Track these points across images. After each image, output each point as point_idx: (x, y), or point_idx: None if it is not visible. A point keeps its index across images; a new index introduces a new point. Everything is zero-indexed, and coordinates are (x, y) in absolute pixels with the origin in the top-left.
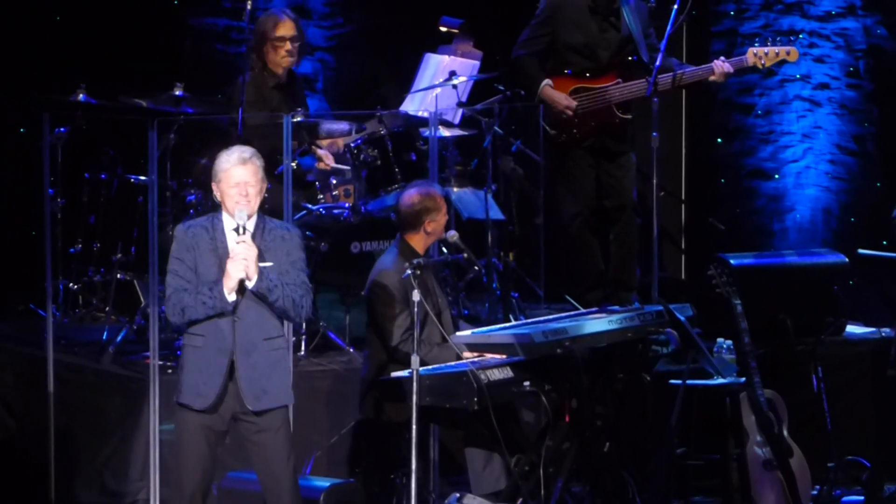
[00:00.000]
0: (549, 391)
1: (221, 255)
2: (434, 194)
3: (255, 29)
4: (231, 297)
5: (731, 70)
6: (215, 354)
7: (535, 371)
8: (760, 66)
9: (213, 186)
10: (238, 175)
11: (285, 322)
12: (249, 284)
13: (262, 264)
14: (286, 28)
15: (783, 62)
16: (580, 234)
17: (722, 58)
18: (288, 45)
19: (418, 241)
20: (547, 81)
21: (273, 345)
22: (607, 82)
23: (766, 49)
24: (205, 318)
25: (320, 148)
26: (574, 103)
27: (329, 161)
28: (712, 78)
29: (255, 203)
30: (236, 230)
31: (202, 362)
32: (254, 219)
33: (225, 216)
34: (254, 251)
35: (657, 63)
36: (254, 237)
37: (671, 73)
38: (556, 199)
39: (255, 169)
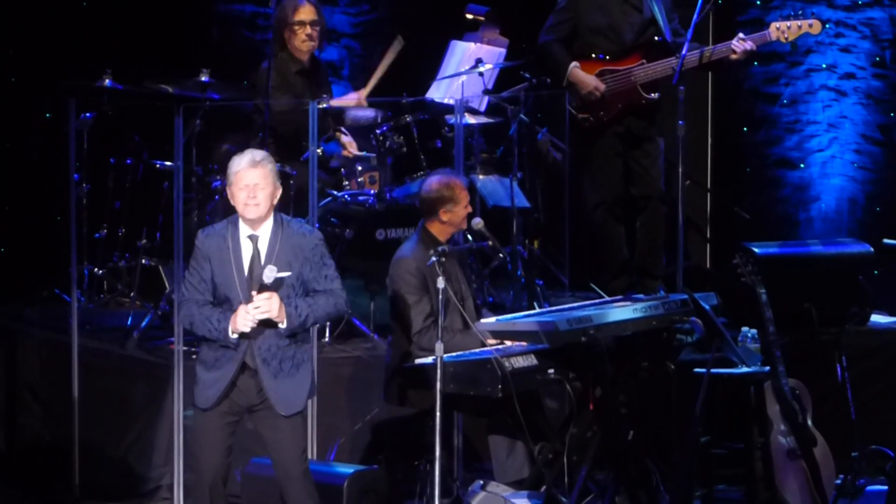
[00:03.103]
0: (573, 379)
1: (237, 266)
2: (453, 184)
3: (276, 14)
4: (234, 336)
5: (753, 47)
6: (227, 361)
7: (560, 359)
8: (784, 40)
9: (228, 191)
10: (248, 178)
11: None
12: (282, 327)
13: (282, 274)
14: (305, 12)
15: (806, 34)
16: (604, 223)
17: (741, 34)
18: (308, 30)
19: (437, 230)
20: (575, 64)
21: (294, 348)
22: (631, 63)
23: (788, 23)
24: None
25: (345, 135)
26: (603, 85)
27: (353, 149)
28: (734, 57)
29: (266, 206)
30: (260, 288)
31: (213, 364)
32: (269, 225)
33: (241, 223)
34: (276, 306)
35: (683, 52)
36: (271, 245)
37: (697, 51)
38: (580, 187)
39: (266, 172)
